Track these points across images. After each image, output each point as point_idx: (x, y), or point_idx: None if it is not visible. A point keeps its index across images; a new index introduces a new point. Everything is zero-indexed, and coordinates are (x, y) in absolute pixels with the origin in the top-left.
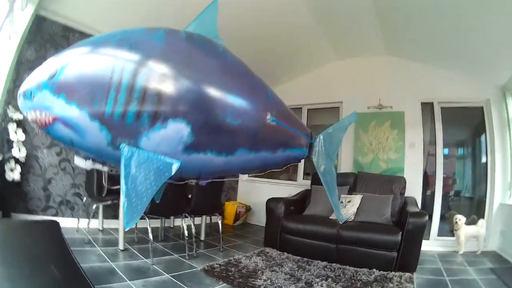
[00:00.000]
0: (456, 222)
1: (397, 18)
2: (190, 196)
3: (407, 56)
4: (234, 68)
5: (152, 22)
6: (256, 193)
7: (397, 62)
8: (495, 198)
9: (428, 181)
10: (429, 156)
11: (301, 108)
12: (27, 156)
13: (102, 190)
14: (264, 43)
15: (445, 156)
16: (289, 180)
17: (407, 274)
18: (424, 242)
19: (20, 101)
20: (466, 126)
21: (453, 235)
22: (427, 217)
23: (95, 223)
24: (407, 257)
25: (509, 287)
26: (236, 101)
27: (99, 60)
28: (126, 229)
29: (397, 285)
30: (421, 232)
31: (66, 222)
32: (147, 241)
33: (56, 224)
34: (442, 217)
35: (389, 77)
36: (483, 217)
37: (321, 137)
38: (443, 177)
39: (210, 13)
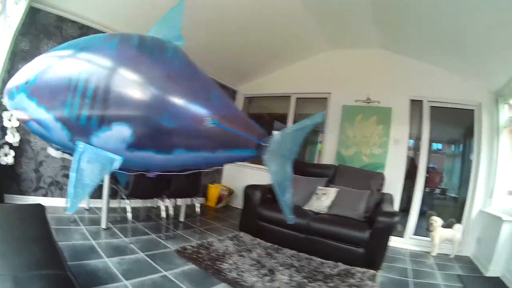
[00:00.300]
0: (432, 224)
1: (393, 11)
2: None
3: (401, 51)
4: (178, 73)
5: (144, 10)
6: (240, 177)
7: (390, 57)
8: (475, 204)
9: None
10: (417, 152)
11: (289, 96)
12: (20, 140)
13: None
14: (256, 33)
15: (433, 152)
16: None
17: (371, 272)
18: (398, 239)
19: (5, 100)
20: (455, 128)
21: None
22: (397, 218)
23: (82, 203)
24: (373, 255)
25: None
26: (173, 105)
27: (62, 70)
28: (69, 213)
29: (358, 281)
30: (390, 231)
31: (55, 202)
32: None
33: (42, 207)
34: (424, 214)
35: (380, 72)
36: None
37: (277, 137)
38: (426, 176)
39: (175, 14)
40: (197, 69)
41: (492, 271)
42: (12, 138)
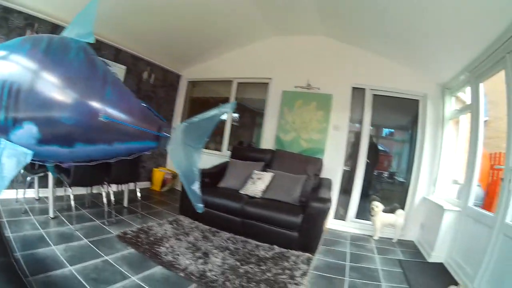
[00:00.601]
0: (373, 208)
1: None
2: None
3: (345, 39)
4: (76, 73)
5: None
6: None
7: (333, 44)
8: (419, 190)
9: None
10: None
11: (231, 81)
12: None
13: (34, 164)
14: (199, 18)
15: (382, 137)
16: (216, 150)
17: (306, 255)
18: (340, 222)
19: None
20: (401, 115)
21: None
22: (330, 204)
23: (32, 193)
24: (307, 239)
25: (409, 285)
26: (69, 104)
27: None
28: None
29: (292, 264)
30: (322, 216)
31: (7, 195)
32: (75, 209)
33: None
34: (369, 197)
35: (323, 59)
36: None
37: (181, 127)
38: (367, 161)
39: (89, 10)
40: (96, 67)
41: (435, 257)
42: None
